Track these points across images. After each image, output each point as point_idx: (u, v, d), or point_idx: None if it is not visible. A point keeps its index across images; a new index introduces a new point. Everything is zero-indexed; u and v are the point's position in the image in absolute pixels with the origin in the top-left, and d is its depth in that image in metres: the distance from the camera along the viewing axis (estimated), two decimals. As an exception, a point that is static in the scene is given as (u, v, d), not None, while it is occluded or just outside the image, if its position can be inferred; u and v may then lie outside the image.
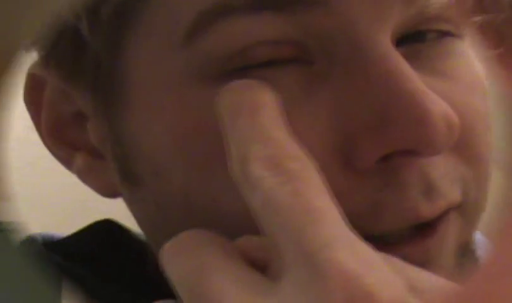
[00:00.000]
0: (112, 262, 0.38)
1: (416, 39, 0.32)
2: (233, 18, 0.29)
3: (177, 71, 0.30)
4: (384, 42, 0.30)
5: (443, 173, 0.31)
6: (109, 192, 0.35)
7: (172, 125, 0.31)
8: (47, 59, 0.35)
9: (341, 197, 0.28)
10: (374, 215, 0.30)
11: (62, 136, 0.36)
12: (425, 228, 0.31)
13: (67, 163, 0.36)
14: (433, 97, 0.29)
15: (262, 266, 0.26)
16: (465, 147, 0.32)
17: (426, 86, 0.30)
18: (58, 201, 1.48)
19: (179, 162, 0.31)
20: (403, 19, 0.31)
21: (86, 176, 0.36)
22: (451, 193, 0.31)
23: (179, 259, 0.26)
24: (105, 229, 0.40)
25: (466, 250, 0.33)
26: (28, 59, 0.35)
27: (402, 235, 0.30)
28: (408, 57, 0.31)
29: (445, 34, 0.33)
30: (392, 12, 0.30)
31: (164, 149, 0.31)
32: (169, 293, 0.27)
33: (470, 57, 0.34)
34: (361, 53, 0.30)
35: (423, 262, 0.30)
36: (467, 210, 0.32)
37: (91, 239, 0.40)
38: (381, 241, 0.29)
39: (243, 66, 0.30)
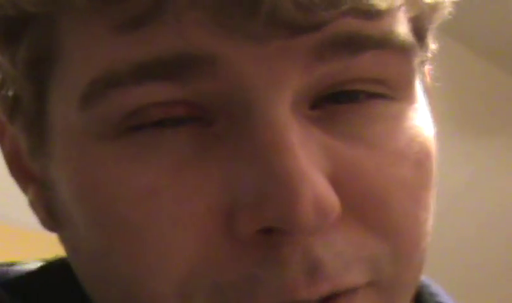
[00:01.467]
0: None
1: (340, 100, 0.31)
2: (122, 86, 0.29)
3: (79, 128, 0.31)
4: (276, 108, 0.29)
5: (335, 252, 0.29)
6: (48, 227, 0.36)
7: (74, 178, 0.32)
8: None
9: (219, 264, 0.29)
10: (249, 289, 0.29)
11: (18, 166, 0.37)
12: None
13: (24, 192, 0.37)
14: (309, 177, 0.28)
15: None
16: (377, 221, 0.30)
17: (331, 154, 0.29)
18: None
19: (81, 214, 0.32)
20: (313, 80, 0.29)
21: (33, 207, 0.37)
22: (343, 274, 0.30)
23: None
24: (61, 269, 0.39)
25: None
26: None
27: None
28: (323, 120, 0.30)
29: (375, 96, 0.31)
30: (289, 76, 0.29)
31: (70, 198, 0.32)
32: None
33: (408, 121, 0.32)
34: (251, 119, 0.29)
35: None
36: (382, 287, 0.31)
37: (44, 281, 0.40)
38: None
39: (138, 125, 0.30)
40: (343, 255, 0.30)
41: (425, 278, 0.44)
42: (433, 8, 0.33)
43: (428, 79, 0.37)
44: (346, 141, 0.30)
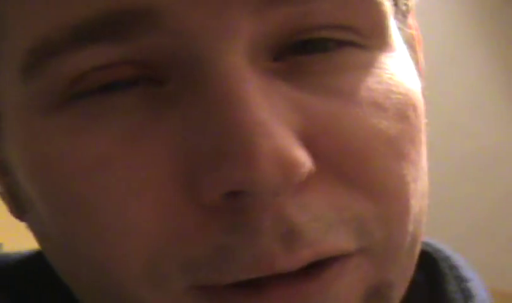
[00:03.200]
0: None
1: (307, 51, 0.28)
2: (60, 54, 0.27)
3: (21, 102, 0.29)
4: (228, 59, 0.26)
5: (315, 215, 0.27)
6: (16, 215, 0.34)
7: (25, 157, 0.30)
8: None
9: (187, 237, 0.26)
10: (222, 262, 0.26)
11: None
12: (310, 271, 0.27)
13: None
14: (270, 131, 0.25)
15: None
16: (360, 179, 0.28)
17: (301, 108, 0.27)
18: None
19: (36, 195, 0.30)
20: (267, 28, 0.27)
21: (2, 196, 0.35)
22: (326, 239, 0.27)
23: None
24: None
25: (377, 293, 0.29)
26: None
27: (281, 276, 0.27)
28: (289, 73, 0.28)
29: (344, 44, 0.28)
30: (239, 22, 0.26)
31: (26, 180, 0.30)
32: None
33: (385, 70, 0.29)
34: (202, 72, 0.27)
35: None
36: (374, 251, 0.28)
37: (26, 271, 0.38)
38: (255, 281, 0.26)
39: (82, 92, 0.27)
40: (323, 218, 0.27)
41: (458, 257, 0.41)
42: None
43: (412, 30, 0.34)
44: (317, 93, 0.28)
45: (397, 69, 0.30)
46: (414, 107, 0.30)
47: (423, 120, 0.31)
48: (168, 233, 0.27)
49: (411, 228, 0.30)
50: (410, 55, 0.32)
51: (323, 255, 0.27)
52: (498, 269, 2.08)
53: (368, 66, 0.29)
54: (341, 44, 0.28)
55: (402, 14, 0.32)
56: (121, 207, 0.27)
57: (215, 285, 0.27)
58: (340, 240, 0.27)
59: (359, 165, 0.28)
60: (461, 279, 0.40)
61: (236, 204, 0.26)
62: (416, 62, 0.33)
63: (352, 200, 0.28)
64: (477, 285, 0.40)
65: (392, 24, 0.31)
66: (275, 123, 0.26)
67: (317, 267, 0.27)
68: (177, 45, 0.27)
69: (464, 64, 2.25)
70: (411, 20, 0.35)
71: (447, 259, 0.41)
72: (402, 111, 0.29)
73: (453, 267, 0.40)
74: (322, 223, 0.27)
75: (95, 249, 0.28)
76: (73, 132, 0.28)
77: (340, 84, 0.28)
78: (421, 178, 0.30)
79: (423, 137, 0.31)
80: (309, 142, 0.27)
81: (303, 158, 0.26)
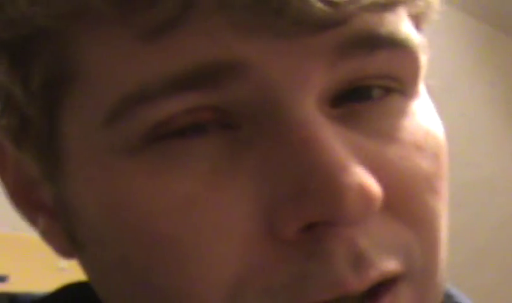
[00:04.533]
0: None
1: (357, 97, 0.31)
2: (153, 100, 0.28)
3: (102, 146, 0.30)
4: (305, 107, 0.29)
5: (376, 241, 0.29)
6: (66, 254, 0.35)
7: (102, 197, 0.31)
8: (0, 124, 0.34)
9: (266, 267, 0.29)
10: (299, 287, 0.29)
11: (25, 197, 0.35)
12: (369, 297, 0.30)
13: (32, 223, 0.36)
14: (350, 168, 0.28)
15: None
16: (405, 211, 0.31)
17: (360, 149, 0.29)
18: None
19: (113, 231, 0.31)
20: (334, 78, 0.30)
21: (46, 237, 0.35)
22: (385, 262, 0.30)
23: None
24: (77, 294, 0.39)
25: None
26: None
27: None
28: (345, 118, 0.30)
29: (390, 91, 0.32)
30: (315, 74, 0.29)
31: (98, 219, 0.31)
32: None
33: (420, 115, 0.33)
34: (281, 120, 0.29)
35: None
36: (415, 278, 0.31)
37: None
38: None
39: (164, 134, 0.29)
40: (383, 244, 0.30)
41: (449, 286, 0.43)
42: (428, 5, 0.34)
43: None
44: (369, 136, 0.31)
45: (429, 114, 0.33)
46: (443, 148, 0.33)
47: (447, 160, 0.34)
48: (250, 266, 0.29)
49: (442, 258, 0.33)
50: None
51: (386, 275, 0.30)
52: (497, 295, 2.08)
53: (408, 112, 0.32)
54: (386, 91, 0.31)
55: None
56: (206, 243, 0.29)
57: None
58: (394, 263, 0.30)
59: (405, 198, 0.31)
60: None
61: (311, 236, 0.29)
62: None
63: (400, 229, 0.30)
64: None
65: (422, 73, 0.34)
66: (353, 161, 0.28)
67: (373, 293, 0.30)
68: (260, 94, 0.29)
69: (462, 94, 2.27)
70: None
71: (451, 297, 0.43)
72: (436, 151, 0.32)
73: (449, 296, 0.43)
74: (383, 247, 0.30)
75: (176, 280, 0.29)
76: (157, 173, 0.29)
77: (387, 129, 0.31)
78: (446, 212, 0.33)
79: (448, 175, 0.34)
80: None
81: (380, 191, 0.29)
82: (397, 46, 0.31)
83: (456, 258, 2.10)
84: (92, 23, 0.29)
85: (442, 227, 0.32)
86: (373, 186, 0.28)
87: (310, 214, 0.28)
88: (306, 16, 0.28)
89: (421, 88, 0.34)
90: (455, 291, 0.44)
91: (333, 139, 0.29)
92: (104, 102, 0.29)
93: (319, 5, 0.28)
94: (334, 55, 0.29)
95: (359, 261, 0.29)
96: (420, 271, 0.31)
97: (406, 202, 0.31)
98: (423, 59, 0.33)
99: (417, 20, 0.34)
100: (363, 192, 0.28)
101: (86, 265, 0.35)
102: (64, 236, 0.34)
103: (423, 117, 0.33)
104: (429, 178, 0.31)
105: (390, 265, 0.30)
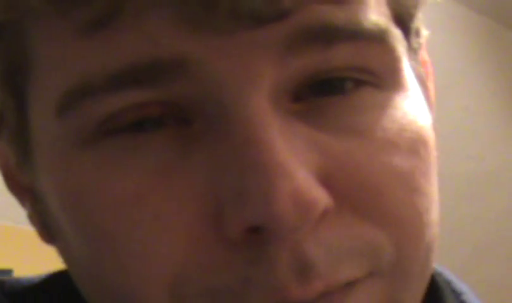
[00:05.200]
0: None
1: (329, 90, 0.30)
2: (96, 95, 0.28)
3: (57, 136, 0.30)
4: (251, 104, 0.28)
5: (328, 248, 0.28)
6: (47, 241, 0.36)
7: (58, 189, 0.31)
8: None
9: (211, 266, 0.28)
10: (242, 290, 0.28)
11: (14, 180, 0.36)
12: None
13: (22, 204, 0.37)
14: (288, 172, 0.27)
15: None
16: (374, 210, 0.30)
17: (317, 148, 0.29)
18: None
19: (68, 225, 0.31)
20: (287, 73, 0.29)
21: (31, 219, 0.36)
22: (338, 271, 0.29)
23: None
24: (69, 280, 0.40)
25: None
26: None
27: None
28: (308, 113, 0.29)
29: (362, 84, 0.30)
30: (261, 69, 0.28)
31: (58, 209, 0.32)
32: None
33: (398, 109, 0.31)
34: (226, 118, 0.28)
35: None
36: (385, 275, 0.30)
37: (50, 291, 0.40)
38: None
39: (114, 129, 0.29)
40: (336, 251, 0.29)
41: (448, 273, 0.43)
42: None
43: (424, 65, 0.36)
44: (335, 133, 0.30)
45: (410, 108, 0.32)
46: (425, 143, 0.32)
47: (433, 154, 0.33)
48: (193, 262, 0.29)
49: (423, 254, 0.32)
50: (421, 90, 0.34)
51: (334, 286, 0.29)
52: (502, 288, 2.08)
53: (382, 106, 0.31)
54: (358, 84, 0.30)
55: (414, 52, 0.35)
56: (151, 238, 0.29)
57: None
58: (350, 270, 0.29)
59: (373, 198, 0.30)
60: (456, 293, 0.42)
61: (256, 238, 0.28)
62: (427, 97, 0.35)
63: (365, 229, 0.30)
64: (471, 297, 0.43)
65: (405, 65, 0.33)
66: (295, 164, 0.27)
67: (324, 295, 0.29)
68: (205, 91, 0.28)
69: (465, 88, 2.27)
70: (423, 52, 0.37)
71: (440, 274, 0.43)
72: (414, 148, 0.31)
73: (447, 282, 0.43)
74: (335, 255, 0.29)
75: (122, 274, 0.30)
76: (106, 166, 0.29)
77: (356, 124, 0.30)
78: (432, 208, 0.32)
79: (434, 170, 0.32)
80: (327, 179, 0.29)
81: (319, 197, 0.28)
82: (360, 37, 0.29)
83: (460, 250, 2.10)
84: (38, 18, 0.29)
85: (426, 223, 0.31)
86: (312, 193, 0.27)
87: (248, 218, 0.28)
88: (240, 10, 0.27)
89: (408, 79, 0.32)
90: (453, 277, 0.43)
91: (278, 140, 0.28)
92: (54, 95, 0.30)
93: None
94: (281, 49, 0.28)
95: (305, 270, 0.28)
96: (391, 266, 0.30)
97: (373, 202, 0.30)
98: (403, 48, 0.32)
99: (399, 7, 0.32)
100: (298, 199, 0.27)
101: (59, 254, 0.35)
102: (41, 223, 0.35)
103: (401, 111, 0.31)
104: (404, 175, 0.30)
105: (342, 273, 0.29)
